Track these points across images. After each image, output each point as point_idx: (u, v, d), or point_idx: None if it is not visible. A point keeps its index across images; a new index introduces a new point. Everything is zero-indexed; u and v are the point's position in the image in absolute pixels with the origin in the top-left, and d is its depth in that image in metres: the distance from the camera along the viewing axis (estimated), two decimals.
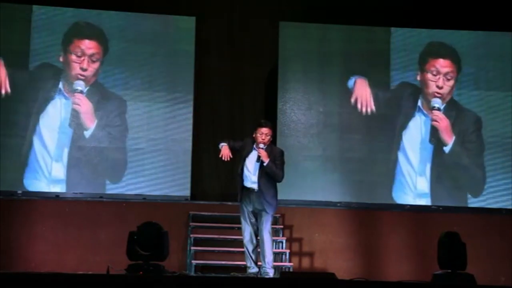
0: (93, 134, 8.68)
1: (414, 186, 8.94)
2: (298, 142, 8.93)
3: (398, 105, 9.07)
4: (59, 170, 8.57)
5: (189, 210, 8.49)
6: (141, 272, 6.62)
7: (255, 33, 9.23)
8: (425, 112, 9.10)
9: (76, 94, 8.70)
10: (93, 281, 5.75)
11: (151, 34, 8.92)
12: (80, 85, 8.72)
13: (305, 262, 8.57)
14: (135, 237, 6.80)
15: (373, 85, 9.07)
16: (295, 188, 8.77)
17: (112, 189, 8.61)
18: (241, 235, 7.04)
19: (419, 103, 9.10)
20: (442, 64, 9.16)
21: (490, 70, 9.16)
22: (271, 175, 6.91)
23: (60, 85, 8.72)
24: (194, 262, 7.99)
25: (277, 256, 8.42)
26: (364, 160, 8.94)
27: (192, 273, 7.79)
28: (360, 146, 8.97)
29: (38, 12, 8.76)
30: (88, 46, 8.79)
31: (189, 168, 8.72)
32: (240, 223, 7.07)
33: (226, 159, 6.95)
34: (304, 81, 9.10)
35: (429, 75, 9.12)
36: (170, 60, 8.91)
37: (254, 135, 6.99)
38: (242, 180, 6.93)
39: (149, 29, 8.92)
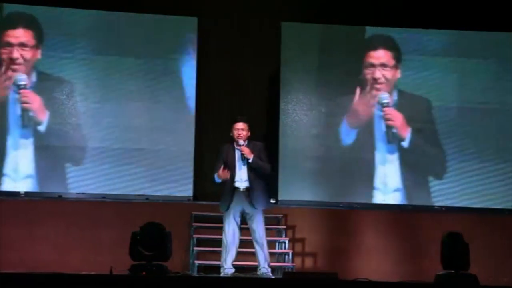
0: (48, 126, 8.58)
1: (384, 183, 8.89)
2: (300, 143, 8.93)
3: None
4: (25, 167, 8.49)
5: (192, 210, 8.49)
6: (144, 273, 6.62)
7: (257, 33, 9.23)
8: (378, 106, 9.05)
9: (21, 90, 8.52)
10: (96, 281, 5.76)
11: (152, 34, 8.91)
12: (23, 80, 8.54)
13: (308, 262, 8.57)
14: (138, 237, 6.80)
15: None
16: (297, 189, 8.78)
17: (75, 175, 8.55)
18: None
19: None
20: (386, 54, 9.03)
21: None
22: (258, 170, 6.91)
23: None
24: (197, 262, 7.99)
25: (280, 256, 8.43)
26: (366, 160, 8.93)
27: (195, 274, 7.78)
28: (362, 146, 8.96)
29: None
30: (29, 35, 8.58)
31: (191, 168, 8.72)
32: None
33: (227, 174, 6.89)
34: (306, 82, 9.10)
35: (366, 70, 9.01)
36: (171, 60, 8.91)
37: (231, 134, 6.98)
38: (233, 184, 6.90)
39: (150, 30, 8.92)
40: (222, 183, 6.97)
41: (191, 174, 8.71)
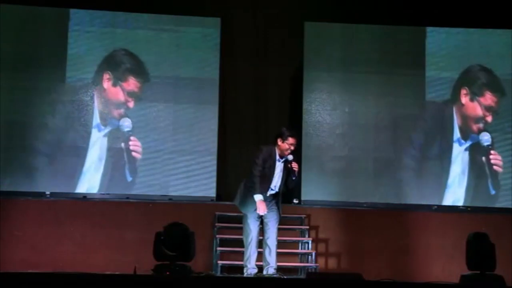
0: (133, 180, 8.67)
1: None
2: (323, 143, 8.91)
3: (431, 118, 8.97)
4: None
5: (215, 210, 8.50)
6: (168, 273, 6.64)
7: (280, 33, 9.21)
8: (462, 141, 8.89)
9: (131, 138, 8.65)
10: (120, 281, 5.78)
11: (175, 35, 8.94)
12: (128, 126, 8.66)
13: (331, 263, 8.53)
14: (162, 237, 6.84)
15: (400, 85, 9.01)
16: (321, 189, 8.76)
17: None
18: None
19: (457, 129, 8.92)
20: (497, 103, 8.94)
21: None
22: (294, 184, 6.96)
23: (96, 112, 8.70)
24: (220, 262, 8.00)
25: (303, 256, 8.41)
26: (390, 160, 8.89)
27: (218, 274, 7.80)
28: (386, 147, 8.91)
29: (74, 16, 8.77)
30: (140, 89, 8.75)
31: (214, 168, 8.73)
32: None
33: (263, 214, 6.77)
34: (329, 82, 9.07)
35: (483, 109, 8.90)
36: (195, 61, 8.93)
37: (280, 142, 6.86)
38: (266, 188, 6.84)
39: (173, 30, 8.95)
40: (249, 189, 6.87)
41: (214, 174, 8.72)
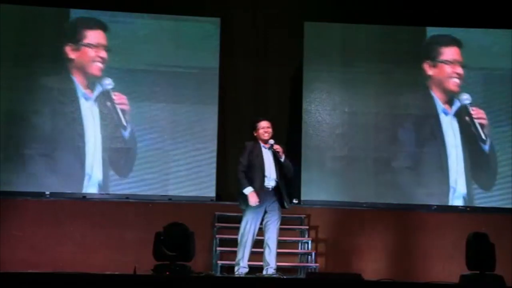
0: (130, 132, 8.70)
1: (452, 187, 8.81)
2: (323, 143, 8.91)
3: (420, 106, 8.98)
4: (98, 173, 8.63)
5: (215, 210, 8.50)
6: (167, 273, 6.64)
7: (280, 33, 9.22)
8: (446, 110, 8.91)
9: (115, 93, 8.68)
10: (120, 281, 5.79)
11: (175, 35, 8.95)
12: (110, 83, 8.69)
13: (331, 263, 8.52)
14: (162, 237, 6.84)
15: (400, 85, 9.01)
16: (321, 189, 8.76)
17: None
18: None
19: (438, 101, 8.93)
20: (459, 53, 8.95)
21: None
22: (288, 169, 6.91)
23: (79, 87, 8.66)
24: (220, 262, 8.00)
25: (303, 256, 8.42)
26: (390, 160, 8.89)
27: (218, 274, 7.80)
28: (386, 147, 8.92)
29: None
30: (105, 38, 8.73)
31: (214, 169, 8.73)
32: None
33: (256, 201, 6.76)
34: (329, 81, 9.08)
35: (449, 65, 8.93)
36: (194, 61, 8.93)
37: (255, 133, 6.94)
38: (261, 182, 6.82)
39: (173, 31, 8.95)
40: (249, 182, 6.87)
41: (214, 174, 8.72)
